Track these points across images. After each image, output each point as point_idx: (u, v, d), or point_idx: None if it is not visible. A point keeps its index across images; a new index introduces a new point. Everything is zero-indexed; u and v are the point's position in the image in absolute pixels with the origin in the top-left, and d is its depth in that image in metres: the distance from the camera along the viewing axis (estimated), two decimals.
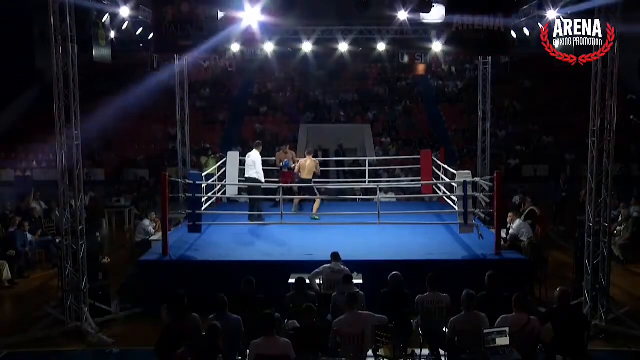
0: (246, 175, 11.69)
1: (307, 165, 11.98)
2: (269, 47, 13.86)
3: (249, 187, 11.75)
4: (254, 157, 11.70)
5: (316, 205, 11.75)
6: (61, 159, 8.41)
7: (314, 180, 12.11)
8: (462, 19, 9.86)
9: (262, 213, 11.40)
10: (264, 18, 11.14)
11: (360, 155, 20.70)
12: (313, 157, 12.35)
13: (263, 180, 11.82)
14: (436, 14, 10.76)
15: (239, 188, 11.79)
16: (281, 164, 12.60)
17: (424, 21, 11.43)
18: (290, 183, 12.37)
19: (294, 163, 12.61)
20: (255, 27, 11.27)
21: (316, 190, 12.06)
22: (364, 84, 25.71)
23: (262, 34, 12.60)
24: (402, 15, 11.61)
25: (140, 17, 11.74)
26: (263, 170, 11.91)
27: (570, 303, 6.56)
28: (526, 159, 21.00)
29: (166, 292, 7.32)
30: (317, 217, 11.47)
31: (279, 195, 10.89)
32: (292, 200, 12.33)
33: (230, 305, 6.35)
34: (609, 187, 8.37)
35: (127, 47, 19.95)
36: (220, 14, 10.07)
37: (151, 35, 11.42)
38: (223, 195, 12.92)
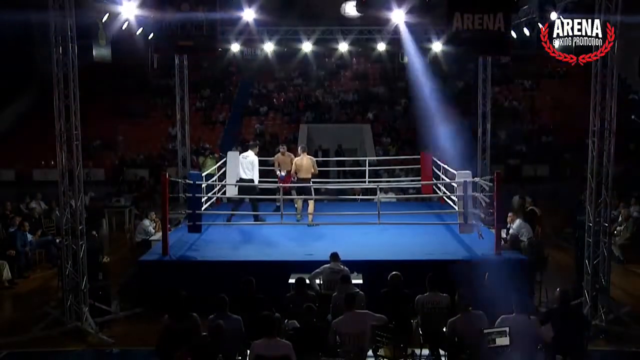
0: (243, 177, 11.28)
1: (304, 164, 11.38)
2: (269, 47, 13.85)
3: (247, 188, 11.32)
4: (252, 159, 11.35)
5: (311, 209, 11.26)
6: (61, 159, 8.40)
7: (313, 180, 11.59)
8: (462, 18, 9.89)
9: (263, 213, 11.33)
10: (263, 18, 11.15)
11: (360, 155, 20.67)
12: (308, 154, 11.75)
13: (257, 181, 11.48)
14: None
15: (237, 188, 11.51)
16: (277, 172, 11.95)
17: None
18: (289, 184, 11.85)
19: (292, 163, 11.97)
20: (254, 27, 11.28)
21: (312, 191, 11.42)
22: (364, 84, 25.69)
23: (262, 34, 12.61)
24: (400, 17, 11.64)
25: (140, 17, 11.73)
26: (261, 170, 11.75)
27: (570, 303, 6.56)
28: (526, 159, 20.99)
29: (166, 292, 7.32)
30: (315, 224, 11.07)
31: (278, 196, 10.81)
32: (292, 201, 12.02)
33: (230, 305, 6.35)
34: (609, 187, 8.37)
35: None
36: (221, 14, 10.09)
37: (151, 35, 11.41)
38: (223, 196, 12.90)
